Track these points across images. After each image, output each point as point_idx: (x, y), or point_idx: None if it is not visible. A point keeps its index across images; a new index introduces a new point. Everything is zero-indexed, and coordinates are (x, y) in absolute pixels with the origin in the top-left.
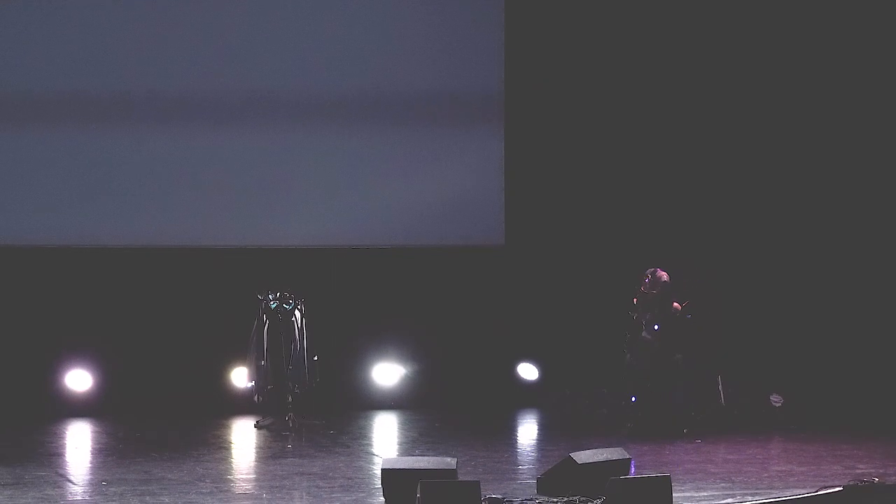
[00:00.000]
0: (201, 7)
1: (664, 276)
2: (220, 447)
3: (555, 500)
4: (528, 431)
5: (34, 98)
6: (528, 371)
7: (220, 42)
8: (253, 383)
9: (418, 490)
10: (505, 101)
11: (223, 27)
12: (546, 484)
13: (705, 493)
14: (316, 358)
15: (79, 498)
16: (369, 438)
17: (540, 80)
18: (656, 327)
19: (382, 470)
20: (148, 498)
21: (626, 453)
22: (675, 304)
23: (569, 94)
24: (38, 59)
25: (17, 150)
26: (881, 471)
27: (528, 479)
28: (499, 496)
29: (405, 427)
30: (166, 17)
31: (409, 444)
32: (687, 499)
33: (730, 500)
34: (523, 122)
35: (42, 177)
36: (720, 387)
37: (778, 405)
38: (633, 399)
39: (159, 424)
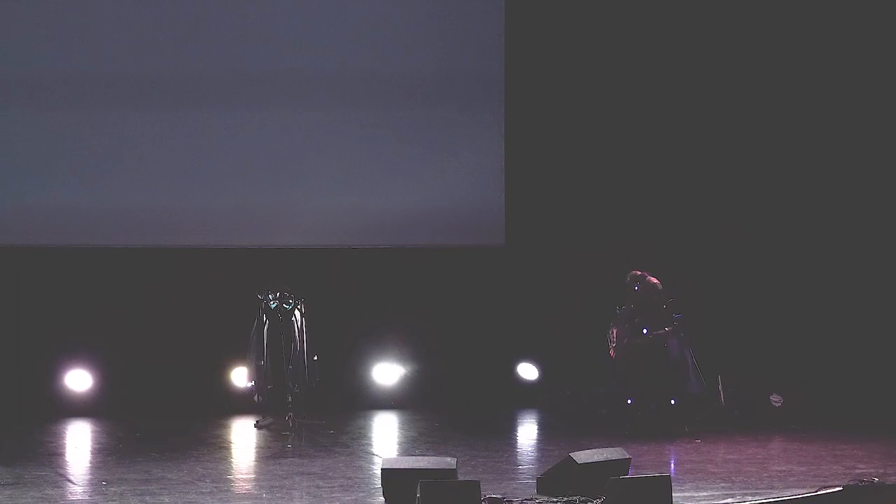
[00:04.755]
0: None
1: (655, 280)
2: (220, 447)
3: (555, 500)
4: (528, 431)
5: (35, 94)
6: (528, 371)
7: (217, 39)
8: (253, 383)
9: (418, 490)
10: (506, 102)
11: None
12: (546, 484)
13: (705, 493)
14: (316, 358)
15: (79, 498)
16: (369, 438)
17: (541, 81)
18: (644, 331)
19: (382, 470)
20: (148, 498)
21: (626, 453)
22: (654, 278)
23: (570, 94)
24: (32, 54)
25: (17, 149)
26: (881, 471)
27: (528, 479)
28: (499, 496)
29: (405, 427)
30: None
31: (409, 444)
32: (687, 499)
33: (730, 500)
34: (524, 122)
35: (42, 176)
36: (720, 387)
37: (778, 405)
38: (630, 402)
39: (159, 424)
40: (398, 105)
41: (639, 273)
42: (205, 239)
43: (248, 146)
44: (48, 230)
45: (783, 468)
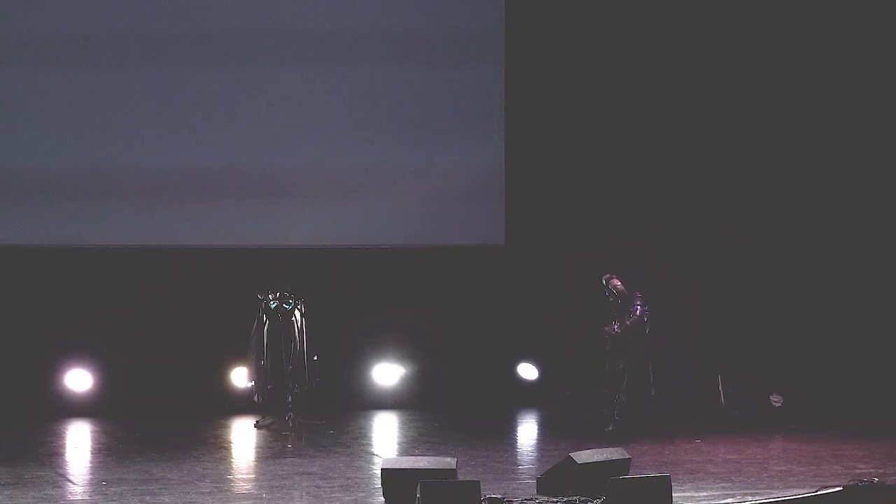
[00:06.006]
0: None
1: (618, 283)
2: (220, 447)
3: (555, 499)
4: (528, 431)
5: (33, 91)
6: (528, 371)
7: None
8: (253, 383)
9: (418, 490)
10: (506, 102)
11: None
12: (546, 484)
13: (705, 493)
14: (316, 358)
15: (79, 498)
16: (369, 438)
17: (543, 82)
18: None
19: (382, 470)
20: (148, 498)
21: (626, 453)
22: (617, 280)
23: (570, 96)
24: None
25: (17, 149)
26: (881, 471)
27: (528, 479)
28: (499, 496)
29: (405, 427)
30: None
31: (409, 444)
32: (687, 499)
33: (730, 500)
34: (524, 122)
35: (41, 177)
36: (720, 387)
37: (778, 405)
38: (619, 398)
39: (159, 424)
40: (399, 106)
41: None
42: (205, 239)
43: (249, 147)
44: (49, 230)
45: (783, 468)
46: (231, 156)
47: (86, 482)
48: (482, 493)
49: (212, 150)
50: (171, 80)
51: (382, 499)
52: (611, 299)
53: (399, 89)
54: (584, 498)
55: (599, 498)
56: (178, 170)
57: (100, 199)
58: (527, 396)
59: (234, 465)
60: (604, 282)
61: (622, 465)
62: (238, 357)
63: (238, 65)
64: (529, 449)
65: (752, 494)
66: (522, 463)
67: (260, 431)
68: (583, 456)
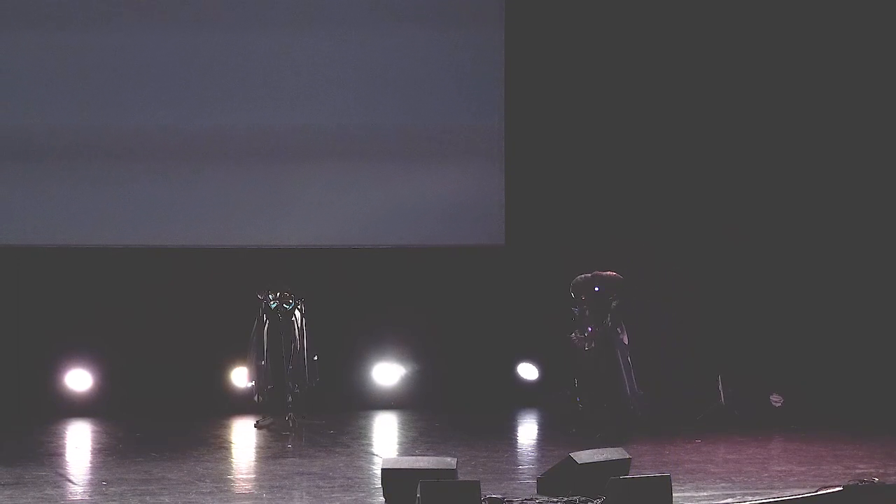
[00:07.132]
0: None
1: (611, 273)
2: (220, 447)
3: (555, 500)
4: (528, 431)
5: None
6: (528, 371)
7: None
8: (253, 383)
9: (418, 490)
10: (506, 101)
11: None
12: (546, 484)
13: (705, 493)
14: (316, 358)
15: (79, 498)
16: (369, 438)
17: (542, 80)
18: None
19: (382, 470)
20: (148, 498)
21: (626, 453)
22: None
23: (570, 94)
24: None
25: (17, 148)
26: (881, 471)
27: (528, 479)
28: (499, 496)
29: (405, 427)
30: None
31: (409, 444)
32: (687, 499)
33: (730, 500)
34: (524, 121)
35: (41, 177)
36: (720, 387)
37: (778, 405)
38: (604, 405)
39: (159, 424)
40: (398, 106)
41: (590, 276)
42: (205, 239)
43: (249, 147)
44: (49, 230)
45: (783, 468)
46: (231, 155)
47: (86, 482)
48: (482, 493)
49: (212, 149)
50: (159, 52)
51: (382, 499)
52: (585, 303)
53: (400, 88)
54: (584, 498)
55: (599, 498)
56: (178, 169)
57: (99, 199)
58: (527, 396)
59: (234, 465)
60: (595, 286)
61: (622, 465)
62: (238, 357)
63: (241, 65)
64: (529, 449)
65: (752, 494)
66: (522, 463)
67: (260, 431)
68: (583, 456)
